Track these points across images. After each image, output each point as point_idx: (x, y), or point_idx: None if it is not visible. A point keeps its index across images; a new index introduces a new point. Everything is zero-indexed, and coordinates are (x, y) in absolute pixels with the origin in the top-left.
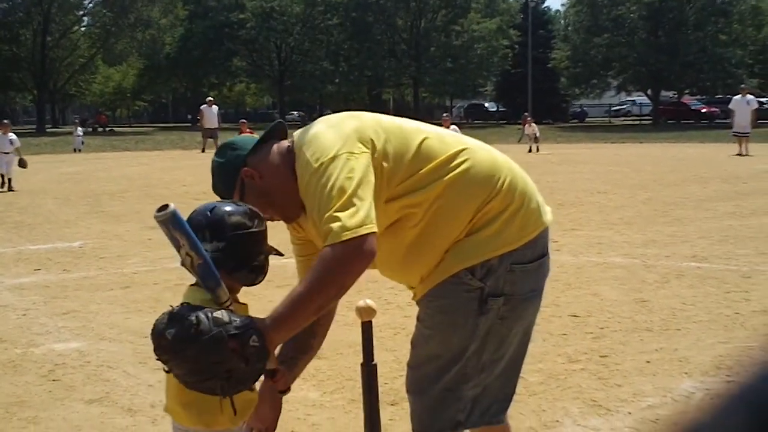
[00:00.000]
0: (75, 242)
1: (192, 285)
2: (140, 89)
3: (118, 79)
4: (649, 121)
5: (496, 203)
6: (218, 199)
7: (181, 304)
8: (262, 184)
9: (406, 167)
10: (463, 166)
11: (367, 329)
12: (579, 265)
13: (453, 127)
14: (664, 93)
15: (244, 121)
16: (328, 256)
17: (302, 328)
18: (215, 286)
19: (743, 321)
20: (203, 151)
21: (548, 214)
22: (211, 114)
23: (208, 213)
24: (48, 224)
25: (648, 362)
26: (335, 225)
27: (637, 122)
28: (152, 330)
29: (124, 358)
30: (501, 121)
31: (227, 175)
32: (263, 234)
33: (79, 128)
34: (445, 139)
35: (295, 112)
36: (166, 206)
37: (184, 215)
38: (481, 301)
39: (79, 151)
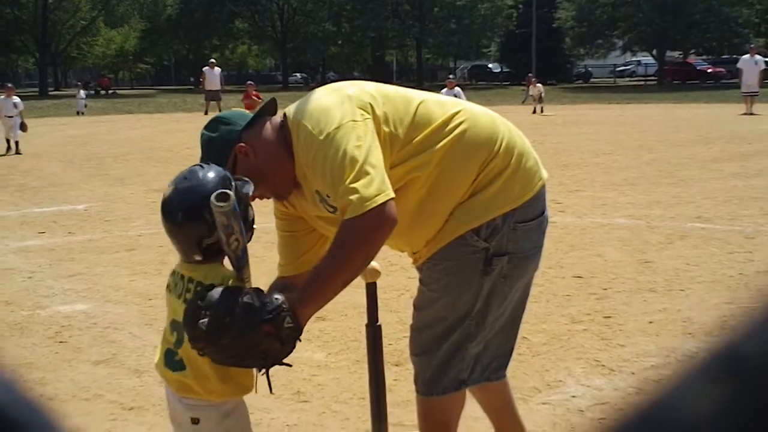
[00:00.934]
0: (79, 205)
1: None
2: (142, 52)
3: (120, 41)
4: (654, 82)
5: (497, 162)
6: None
7: (205, 286)
8: (256, 161)
9: (405, 132)
10: (461, 127)
11: (371, 291)
12: (583, 227)
13: (457, 89)
14: (669, 53)
15: (251, 82)
16: (351, 229)
17: (330, 301)
18: (245, 264)
19: (747, 281)
20: (206, 113)
21: (544, 171)
22: (213, 76)
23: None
24: (52, 187)
25: (651, 323)
26: (354, 197)
27: (642, 83)
28: (184, 320)
29: (130, 319)
30: (505, 82)
31: (220, 149)
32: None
33: (82, 91)
34: (442, 101)
35: (297, 74)
36: (225, 195)
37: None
38: (486, 262)
39: (82, 113)
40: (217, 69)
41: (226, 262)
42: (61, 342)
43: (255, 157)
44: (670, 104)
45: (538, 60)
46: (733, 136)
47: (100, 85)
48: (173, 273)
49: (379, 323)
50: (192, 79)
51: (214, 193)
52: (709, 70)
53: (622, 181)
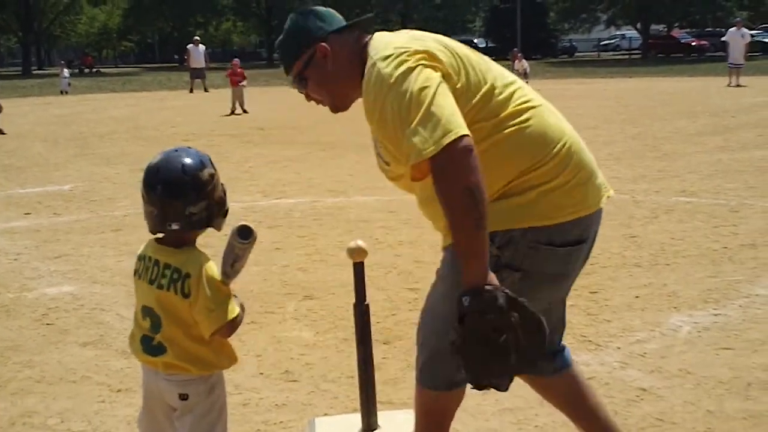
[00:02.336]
0: (65, 185)
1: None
2: (126, 30)
3: (103, 19)
4: (639, 56)
5: (540, 173)
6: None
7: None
8: (331, 67)
9: (467, 110)
10: (520, 126)
11: (358, 269)
12: None
13: (525, 63)
14: (653, 27)
15: (237, 59)
16: (434, 175)
17: (486, 244)
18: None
19: (731, 255)
20: (191, 91)
21: (604, 196)
22: (197, 53)
23: (183, 173)
24: (37, 167)
25: (637, 297)
26: (417, 140)
27: (627, 56)
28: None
29: (117, 300)
30: (490, 57)
31: (302, 40)
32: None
33: (66, 70)
34: (516, 93)
35: None
36: (248, 231)
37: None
38: (494, 270)
39: (66, 93)
40: (202, 46)
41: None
42: (48, 324)
43: (331, 62)
44: (654, 78)
45: (523, 35)
46: (717, 109)
47: (83, 64)
48: (142, 257)
49: (366, 302)
50: (176, 57)
51: (237, 228)
52: (693, 44)
53: (607, 155)
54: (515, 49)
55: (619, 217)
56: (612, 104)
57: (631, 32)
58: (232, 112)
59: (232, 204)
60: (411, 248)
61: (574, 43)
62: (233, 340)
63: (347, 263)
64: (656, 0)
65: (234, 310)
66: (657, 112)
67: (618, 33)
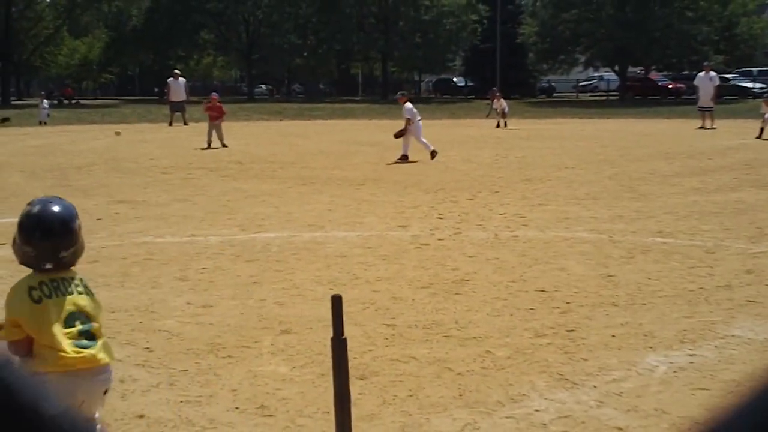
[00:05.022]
0: None
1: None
2: (106, 61)
3: (84, 51)
4: (616, 97)
5: None
6: None
7: None
8: None
9: None
10: None
11: (336, 304)
12: (546, 240)
13: (503, 102)
14: (630, 69)
15: (215, 94)
16: None
17: None
18: None
19: (707, 296)
20: (170, 124)
21: None
22: (177, 87)
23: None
24: (14, 198)
25: (613, 336)
26: None
27: (605, 98)
28: None
29: None
30: (469, 96)
31: None
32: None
33: (45, 101)
34: None
35: (263, 86)
36: None
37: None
38: None
39: (45, 123)
40: (182, 80)
41: None
42: None
43: None
44: (631, 119)
45: (502, 74)
46: (694, 151)
47: (63, 95)
48: (40, 285)
49: (344, 337)
50: (156, 90)
51: None
52: (670, 86)
53: (584, 195)
54: (494, 89)
55: (597, 257)
56: (590, 145)
57: (609, 74)
58: (209, 146)
59: (210, 238)
60: (389, 284)
61: (552, 84)
62: (208, 374)
63: (325, 298)
64: (633, 43)
65: None
66: (634, 153)
67: (596, 74)
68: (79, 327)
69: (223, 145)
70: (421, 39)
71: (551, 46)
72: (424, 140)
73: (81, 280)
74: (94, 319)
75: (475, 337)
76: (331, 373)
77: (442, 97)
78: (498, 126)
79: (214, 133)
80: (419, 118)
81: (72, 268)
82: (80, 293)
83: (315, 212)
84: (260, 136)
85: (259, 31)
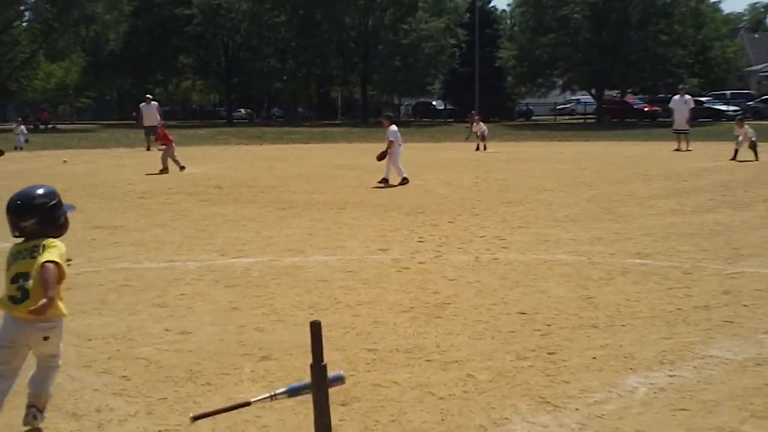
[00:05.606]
0: (18, 241)
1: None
2: (83, 86)
3: (61, 75)
4: (594, 120)
5: None
6: None
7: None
8: None
9: None
10: None
11: (316, 329)
12: (527, 263)
13: (482, 126)
14: (607, 92)
15: (162, 122)
16: None
17: None
18: None
19: (685, 317)
20: (148, 149)
21: None
22: (150, 111)
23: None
24: None
25: (594, 358)
26: None
27: (582, 120)
28: None
29: (68, 361)
30: (449, 119)
31: None
32: (57, 204)
33: (22, 126)
34: None
35: (242, 110)
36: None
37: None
38: None
39: (22, 149)
40: (154, 103)
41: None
42: None
43: None
44: (608, 142)
45: (481, 98)
46: (671, 173)
47: (39, 120)
48: (12, 251)
49: (324, 362)
50: (134, 114)
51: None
52: (646, 109)
53: (564, 217)
54: (473, 112)
55: (576, 279)
56: (568, 167)
57: (586, 97)
58: (162, 171)
59: (188, 263)
60: (370, 308)
61: (530, 107)
62: (187, 402)
63: (305, 323)
64: (610, 66)
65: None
66: (612, 175)
67: (573, 98)
68: (15, 287)
69: (181, 168)
70: (400, 63)
71: (529, 70)
72: (399, 165)
73: (35, 245)
74: (29, 277)
75: (456, 361)
76: (311, 399)
77: (422, 120)
78: (477, 149)
79: (169, 158)
80: (401, 143)
81: (39, 237)
82: (24, 259)
83: (295, 236)
84: (240, 160)
85: (239, 55)
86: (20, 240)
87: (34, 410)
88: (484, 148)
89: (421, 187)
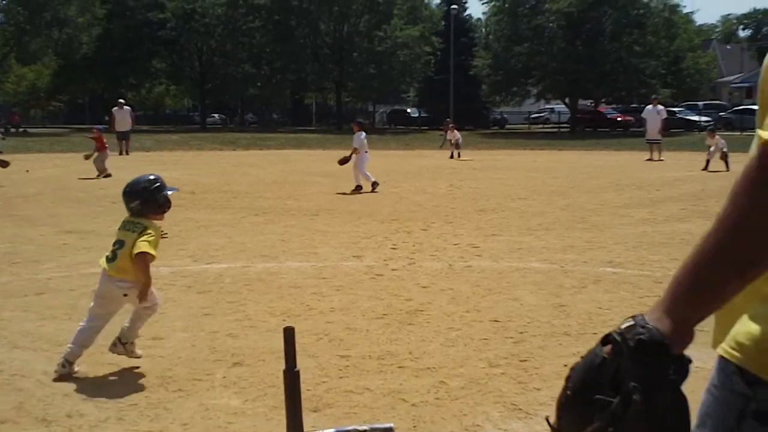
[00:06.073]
0: None
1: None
2: (55, 89)
3: (32, 78)
4: (567, 129)
5: None
6: None
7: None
8: None
9: None
10: None
11: (289, 335)
12: (500, 270)
13: (457, 134)
14: (581, 101)
15: (98, 128)
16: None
17: (729, 293)
18: None
19: None
20: (121, 153)
21: None
22: (122, 116)
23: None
24: None
25: (566, 366)
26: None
27: (556, 129)
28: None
29: (38, 366)
30: (423, 127)
31: None
32: (159, 187)
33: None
34: None
35: (216, 115)
36: None
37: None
38: (739, 417)
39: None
40: (127, 108)
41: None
42: None
43: None
44: (582, 151)
45: (456, 106)
46: (643, 182)
47: (9, 123)
48: (124, 221)
49: (297, 368)
50: (107, 118)
51: None
52: (619, 119)
53: (537, 225)
54: (448, 120)
55: (549, 287)
56: (542, 176)
57: (560, 106)
58: (98, 176)
59: (161, 269)
60: (343, 315)
61: (505, 116)
62: (158, 408)
63: (278, 329)
64: (584, 76)
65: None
66: (585, 184)
67: (547, 107)
68: (112, 249)
69: (106, 175)
70: (375, 70)
71: (504, 78)
72: (366, 172)
73: (141, 223)
74: (123, 245)
75: (429, 368)
76: (284, 405)
77: (396, 127)
78: (452, 157)
79: (102, 160)
80: (367, 150)
81: (143, 216)
82: (128, 230)
83: (269, 242)
84: (213, 166)
85: (213, 60)
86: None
87: (117, 340)
88: (458, 156)
89: (395, 194)
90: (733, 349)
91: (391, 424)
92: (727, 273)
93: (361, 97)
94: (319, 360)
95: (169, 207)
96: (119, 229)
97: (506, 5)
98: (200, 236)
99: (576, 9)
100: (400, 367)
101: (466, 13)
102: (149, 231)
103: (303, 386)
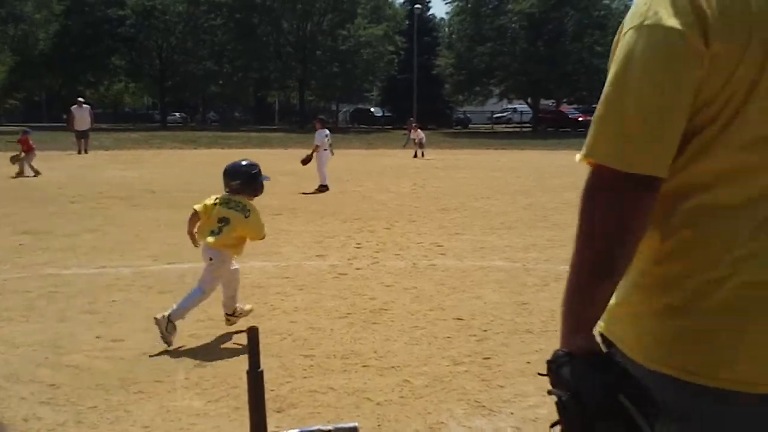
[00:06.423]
0: None
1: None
2: (11, 86)
3: None
4: (530, 129)
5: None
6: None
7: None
8: None
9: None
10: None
11: (252, 335)
12: (463, 269)
13: (420, 133)
14: (543, 101)
15: (28, 131)
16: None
17: (597, 302)
18: None
19: None
20: (80, 152)
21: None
22: (81, 114)
23: (229, 169)
24: None
25: (528, 363)
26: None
27: (518, 129)
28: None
29: None
30: (387, 126)
31: None
32: (258, 173)
33: None
34: None
35: (176, 113)
36: None
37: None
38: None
39: None
40: (86, 106)
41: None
42: None
43: None
44: (544, 150)
45: (419, 105)
46: None
47: None
48: (224, 198)
49: (260, 368)
50: (65, 117)
51: None
52: (580, 119)
53: (500, 224)
54: (411, 119)
55: (511, 285)
56: (505, 175)
57: (522, 106)
58: (36, 173)
59: (121, 269)
60: (306, 314)
61: (468, 115)
62: (119, 410)
63: (240, 329)
64: (546, 76)
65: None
66: (547, 183)
67: (510, 106)
68: (215, 227)
69: (22, 175)
70: (338, 68)
71: (467, 78)
72: (324, 171)
73: (242, 202)
74: (230, 223)
75: (393, 367)
76: (247, 406)
77: (360, 126)
78: (415, 156)
79: (28, 161)
80: (326, 148)
81: (239, 194)
82: (232, 209)
83: None
84: (174, 165)
85: (173, 57)
86: (226, 193)
87: (225, 315)
88: (422, 156)
89: (358, 193)
90: (602, 320)
91: (356, 424)
92: (594, 283)
93: (324, 96)
94: (282, 360)
95: (261, 192)
96: (220, 205)
97: (469, 5)
98: (161, 236)
99: (538, 10)
100: (364, 366)
101: (430, 12)
102: (253, 213)
103: (267, 386)
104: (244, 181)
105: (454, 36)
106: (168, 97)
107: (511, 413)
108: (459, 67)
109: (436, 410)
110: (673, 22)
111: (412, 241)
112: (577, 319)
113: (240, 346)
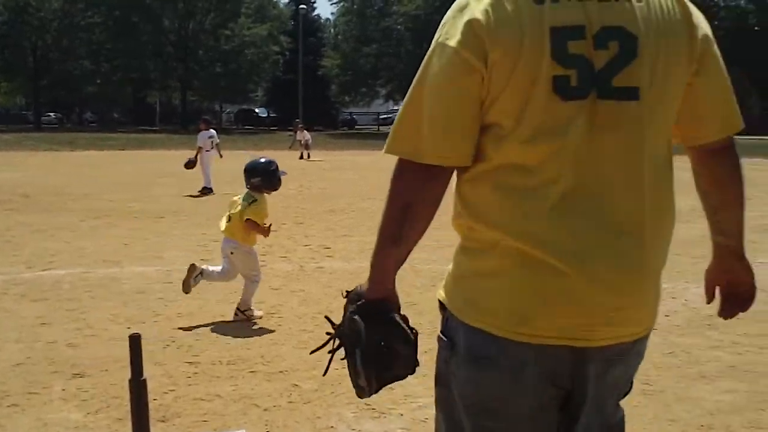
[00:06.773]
0: None
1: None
2: None
3: None
4: None
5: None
6: None
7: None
8: None
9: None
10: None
11: (135, 342)
12: (351, 271)
13: (306, 134)
14: None
15: None
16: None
17: (396, 257)
18: None
19: None
20: None
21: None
22: None
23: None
24: None
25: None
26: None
27: None
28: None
29: None
30: (272, 127)
31: None
32: (276, 169)
33: None
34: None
35: (51, 114)
36: None
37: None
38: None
39: None
40: None
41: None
42: None
43: None
44: None
45: (305, 106)
46: None
47: None
48: (246, 194)
49: (143, 377)
50: None
51: None
52: None
53: None
54: (297, 120)
55: (400, 286)
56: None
57: None
58: None
59: None
60: (190, 320)
61: (354, 116)
62: None
63: (121, 337)
64: None
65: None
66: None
67: (396, 107)
68: (230, 213)
69: None
70: (222, 69)
71: (353, 79)
72: (208, 172)
73: (252, 196)
74: (239, 213)
75: (281, 371)
76: (129, 417)
77: (245, 127)
78: (301, 157)
79: None
80: (209, 149)
81: (260, 191)
82: (245, 200)
83: (110, 247)
84: (49, 167)
85: (48, 56)
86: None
87: (237, 309)
88: (308, 157)
89: None
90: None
91: (243, 431)
92: (387, 245)
93: (207, 96)
94: (166, 368)
95: (279, 186)
96: (242, 198)
97: (355, 6)
98: (35, 241)
99: (423, 12)
100: (251, 371)
101: (315, 13)
102: (257, 202)
103: (150, 396)
104: (264, 178)
105: (339, 37)
106: (42, 97)
107: (401, 414)
108: (345, 67)
109: (326, 414)
110: (454, 42)
111: (299, 243)
112: (375, 272)
113: (121, 355)
